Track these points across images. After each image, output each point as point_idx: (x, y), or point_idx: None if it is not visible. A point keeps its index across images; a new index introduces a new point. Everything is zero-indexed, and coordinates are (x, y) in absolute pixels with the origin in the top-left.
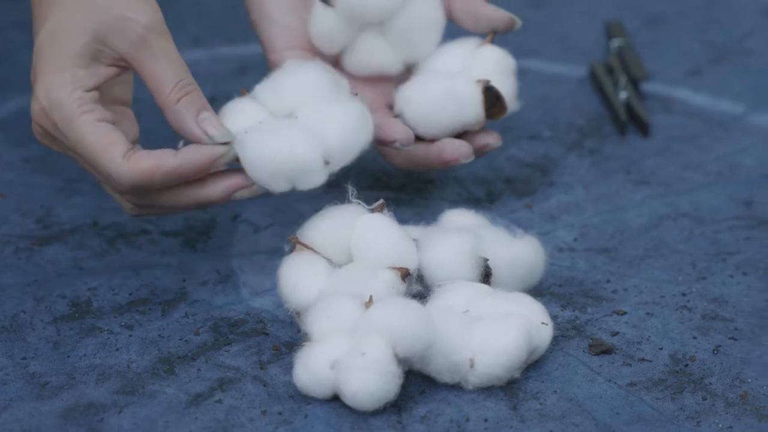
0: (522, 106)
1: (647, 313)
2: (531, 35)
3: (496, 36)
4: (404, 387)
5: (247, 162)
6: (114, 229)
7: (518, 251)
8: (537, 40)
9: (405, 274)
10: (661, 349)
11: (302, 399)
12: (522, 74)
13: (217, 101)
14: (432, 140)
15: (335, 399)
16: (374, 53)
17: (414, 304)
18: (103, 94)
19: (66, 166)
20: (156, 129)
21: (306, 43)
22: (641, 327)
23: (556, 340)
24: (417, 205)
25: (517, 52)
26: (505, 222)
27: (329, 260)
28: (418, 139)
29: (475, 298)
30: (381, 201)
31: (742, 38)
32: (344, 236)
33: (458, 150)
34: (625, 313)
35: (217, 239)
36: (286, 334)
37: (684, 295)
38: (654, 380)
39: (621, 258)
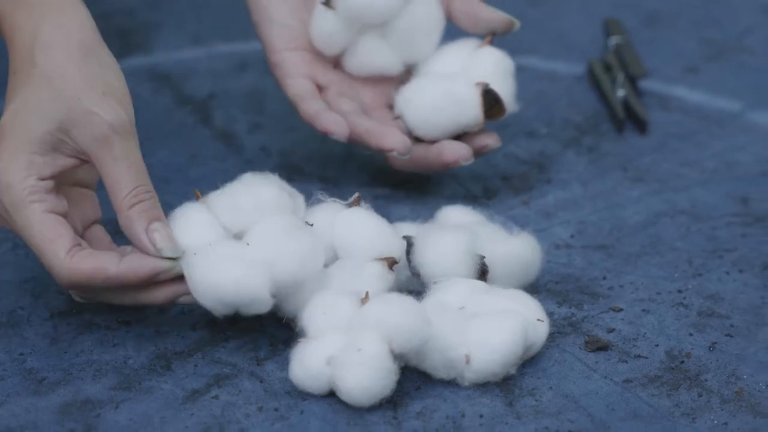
0: (519, 104)
1: (643, 310)
2: (528, 32)
3: (495, 37)
4: (400, 383)
5: (192, 285)
6: (111, 225)
7: (515, 248)
8: (534, 38)
9: (392, 264)
10: (657, 345)
11: (298, 395)
12: (519, 71)
13: (216, 99)
14: (431, 142)
15: (331, 395)
16: (374, 54)
17: (410, 300)
18: (64, 175)
19: None
20: (153, 126)
21: (306, 43)
22: (637, 324)
23: (552, 336)
24: (414, 202)
25: (514, 49)
26: (502, 219)
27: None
28: (418, 140)
29: (471, 295)
30: (357, 194)
31: (740, 36)
32: (326, 235)
33: (458, 152)
34: (621, 309)
35: None
36: (283, 331)
37: (680, 291)
38: (650, 377)
39: (617, 255)
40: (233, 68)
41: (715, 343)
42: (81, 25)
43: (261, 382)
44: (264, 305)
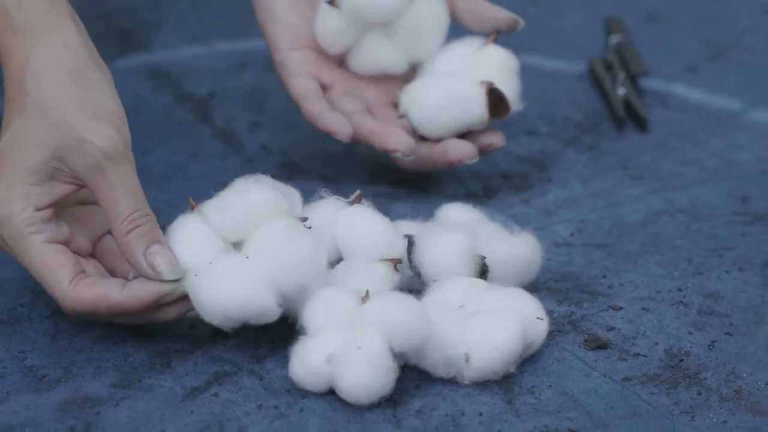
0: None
1: (643, 309)
2: (529, 31)
3: (499, 35)
4: (400, 381)
5: (198, 306)
6: None
7: (515, 247)
8: (535, 36)
9: (397, 264)
10: (657, 344)
11: (298, 393)
12: (520, 70)
13: (216, 97)
14: (436, 140)
15: (331, 393)
16: (379, 53)
17: (410, 298)
18: (66, 198)
19: None
20: (153, 124)
21: (311, 42)
22: (637, 322)
23: (551, 334)
24: (414, 200)
25: (515, 47)
26: (502, 217)
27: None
28: (423, 139)
29: (471, 293)
30: (358, 192)
31: (740, 35)
32: (328, 233)
33: (462, 151)
34: (620, 308)
35: None
36: (283, 328)
37: (680, 290)
38: (649, 375)
39: (617, 253)
40: (233, 67)
41: (715, 341)
42: (71, 48)
43: (261, 379)
44: (272, 316)
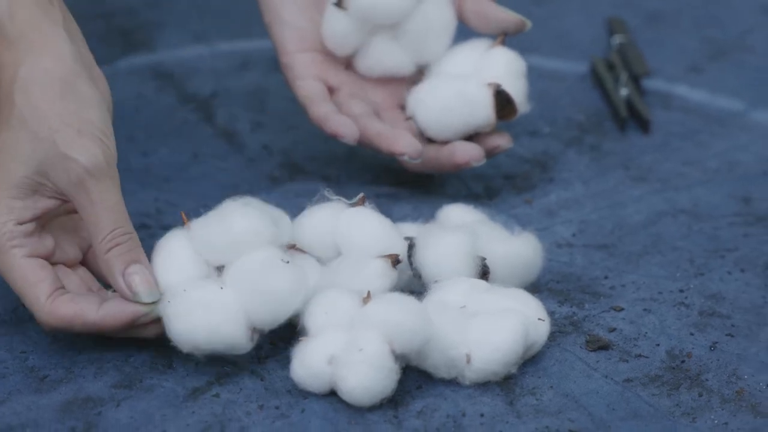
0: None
1: (645, 310)
2: (532, 31)
3: (506, 37)
4: (401, 382)
5: (169, 332)
6: None
7: (516, 248)
8: (537, 36)
9: (395, 261)
10: (658, 345)
11: (299, 393)
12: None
13: (218, 97)
14: (443, 142)
15: (332, 394)
16: (386, 55)
17: (411, 300)
18: (52, 212)
19: None
20: (155, 124)
21: (318, 45)
22: (638, 323)
23: (553, 335)
24: (416, 201)
25: (517, 47)
26: (504, 218)
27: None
28: (430, 141)
29: (472, 294)
30: (361, 194)
31: (742, 35)
32: (329, 234)
33: (470, 153)
34: (622, 309)
35: None
36: (284, 329)
37: (681, 291)
38: (650, 376)
39: (619, 254)
40: (236, 67)
41: (716, 342)
42: (61, 59)
43: (262, 380)
44: (243, 349)
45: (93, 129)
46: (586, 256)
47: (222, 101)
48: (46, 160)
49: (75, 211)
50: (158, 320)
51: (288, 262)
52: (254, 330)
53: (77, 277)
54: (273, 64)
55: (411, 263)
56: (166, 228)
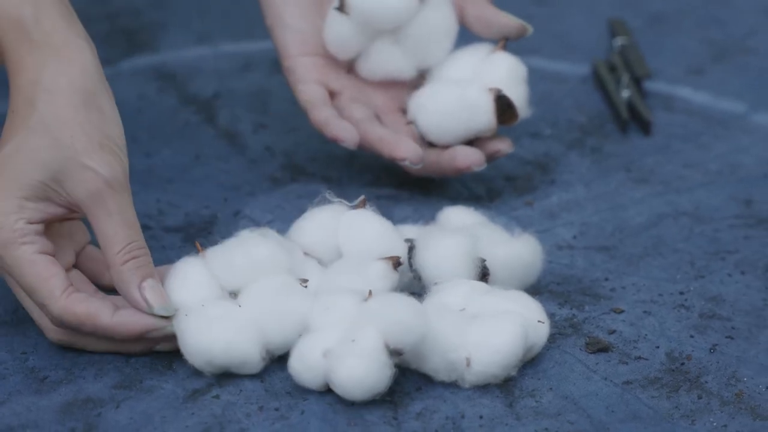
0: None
1: (645, 312)
2: (533, 33)
3: (508, 41)
4: (400, 384)
5: (183, 346)
6: None
7: (516, 250)
8: (539, 38)
9: (396, 263)
10: (658, 347)
11: (299, 395)
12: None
13: (221, 98)
14: (444, 147)
15: (332, 395)
16: (387, 59)
17: (408, 298)
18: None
19: None
20: (157, 125)
21: (320, 48)
22: (638, 325)
23: (552, 337)
24: (417, 203)
25: (519, 49)
26: (504, 220)
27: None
28: (431, 145)
29: (472, 296)
30: (362, 197)
31: (744, 37)
32: (331, 236)
33: (470, 157)
34: (622, 311)
35: (218, 235)
36: None
37: (682, 293)
38: (650, 378)
39: (620, 256)
40: (238, 68)
41: (716, 345)
42: (85, 71)
43: (262, 382)
44: (254, 367)
45: (112, 144)
46: (586, 258)
47: (224, 102)
48: (65, 168)
49: (68, 218)
50: (171, 336)
51: (306, 286)
52: (267, 352)
53: (76, 279)
54: (275, 65)
55: (411, 265)
56: (168, 229)
